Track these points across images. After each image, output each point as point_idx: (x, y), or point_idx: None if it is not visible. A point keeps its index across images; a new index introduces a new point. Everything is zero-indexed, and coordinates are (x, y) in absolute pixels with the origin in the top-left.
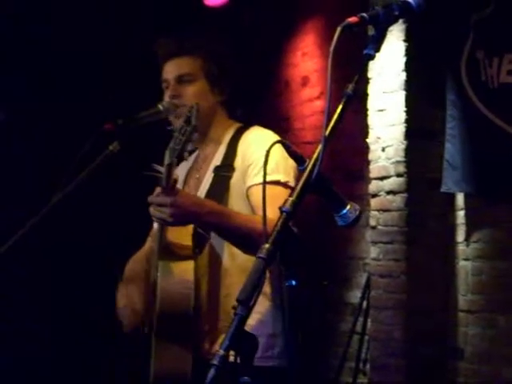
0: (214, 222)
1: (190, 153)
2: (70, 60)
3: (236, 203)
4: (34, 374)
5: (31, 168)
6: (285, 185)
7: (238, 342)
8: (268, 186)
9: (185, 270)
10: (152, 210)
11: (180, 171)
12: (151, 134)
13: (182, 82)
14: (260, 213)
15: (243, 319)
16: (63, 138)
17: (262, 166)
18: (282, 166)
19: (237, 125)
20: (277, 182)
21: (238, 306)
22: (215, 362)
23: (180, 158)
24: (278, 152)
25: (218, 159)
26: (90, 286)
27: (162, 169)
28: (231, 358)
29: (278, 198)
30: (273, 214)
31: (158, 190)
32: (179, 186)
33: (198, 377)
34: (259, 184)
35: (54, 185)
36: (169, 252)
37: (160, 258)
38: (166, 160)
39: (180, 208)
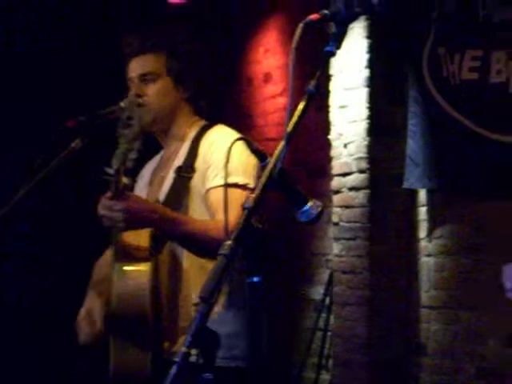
0: (165, 228)
1: (135, 160)
2: (37, 59)
3: (196, 205)
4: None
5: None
6: (244, 187)
7: (200, 339)
8: (226, 189)
9: (140, 271)
10: (102, 214)
11: (147, 169)
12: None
13: (144, 80)
14: (216, 216)
15: (205, 316)
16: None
17: (221, 168)
18: (242, 168)
19: (201, 122)
20: (235, 185)
21: (199, 304)
22: (177, 359)
23: (125, 165)
24: (238, 152)
25: (180, 159)
26: (50, 287)
27: (111, 171)
28: (193, 356)
29: (235, 201)
30: (229, 217)
31: (109, 194)
32: (145, 184)
33: (158, 376)
34: (216, 187)
35: (16, 184)
36: (125, 254)
37: (116, 259)
38: (113, 166)
39: (130, 213)
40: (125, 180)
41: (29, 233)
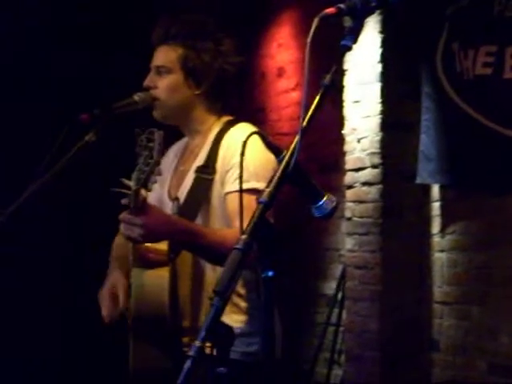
0: (185, 241)
1: (155, 182)
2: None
3: (218, 206)
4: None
5: (7, 159)
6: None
7: (215, 332)
8: (245, 195)
9: (159, 276)
10: (123, 228)
11: (172, 152)
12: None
13: (159, 72)
14: (234, 223)
15: (219, 310)
16: (41, 129)
17: (240, 172)
18: (262, 173)
19: (224, 118)
20: (254, 191)
21: (214, 297)
22: (191, 353)
23: (146, 186)
24: (258, 156)
25: (201, 157)
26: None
27: (131, 183)
28: (208, 350)
29: (252, 208)
30: (245, 224)
31: (128, 209)
32: (168, 170)
33: (178, 372)
34: (235, 191)
35: (30, 176)
36: (143, 258)
37: (134, 264)
38: (133, 185)
39: (150, 228)
40: (144, 193)
41: (41, 224)
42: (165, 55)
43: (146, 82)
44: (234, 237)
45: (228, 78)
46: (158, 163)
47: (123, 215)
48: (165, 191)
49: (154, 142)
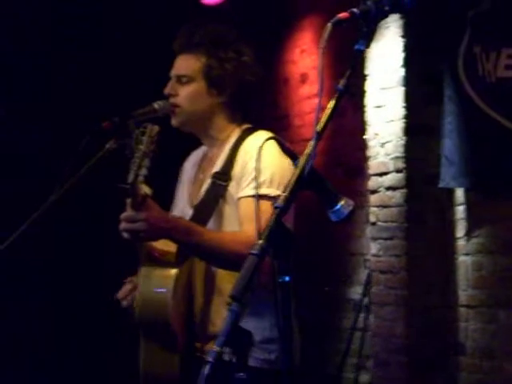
0: (185, 241)
1: (145, 176)
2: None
3: (231, 212)
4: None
5: (32, 166)
6: (274, 199)
7: (233, 338)
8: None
9: (165, 276)
10: (123, 227)
11: (190, 162)
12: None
13: (180, 81)
14: (242, 227)
15: (237, 315)
16: (64, 136)
17: (253, 177)
18: (276, 179)
19: (243, 126)
20: (266, 197)
21: (231, 302)
22: (210, 358)
23: (139, 179)
24: (273, 162)
25: (219, 164)
26: (89, 285)
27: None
28: (226, 355)
29: (264, 214)
30: (257, 229)
31: (129, 206)
32: (188, 179)
33: (190, 374)
34: (248, 197)
35: (53, 183)
36: (152, 258)
37: (142, 263)
38: (128, 180)
39: (151, 224)
40: (146, 189)
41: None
42: (187, 64)
43: (167, 90)
44: (234, 239)
45: (249, 88)
46: (146, 154)
47: (124, 214)
48: (185, 199)
49: (145, 135)
